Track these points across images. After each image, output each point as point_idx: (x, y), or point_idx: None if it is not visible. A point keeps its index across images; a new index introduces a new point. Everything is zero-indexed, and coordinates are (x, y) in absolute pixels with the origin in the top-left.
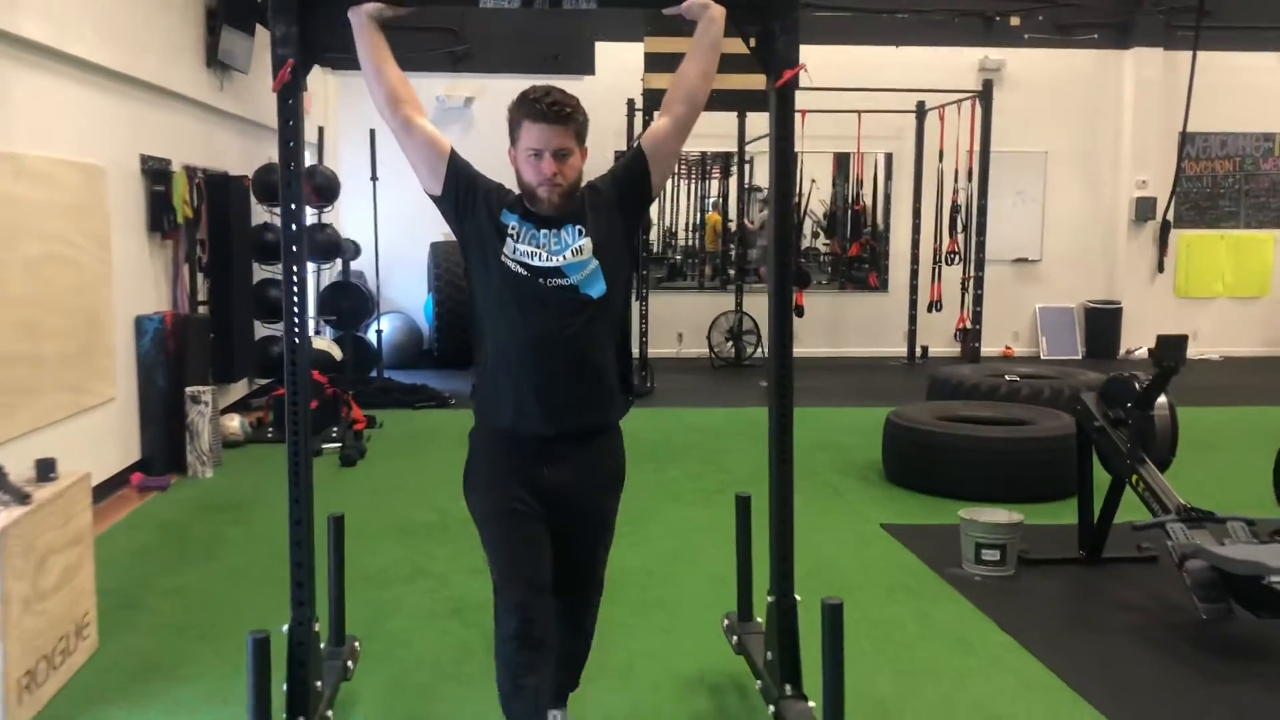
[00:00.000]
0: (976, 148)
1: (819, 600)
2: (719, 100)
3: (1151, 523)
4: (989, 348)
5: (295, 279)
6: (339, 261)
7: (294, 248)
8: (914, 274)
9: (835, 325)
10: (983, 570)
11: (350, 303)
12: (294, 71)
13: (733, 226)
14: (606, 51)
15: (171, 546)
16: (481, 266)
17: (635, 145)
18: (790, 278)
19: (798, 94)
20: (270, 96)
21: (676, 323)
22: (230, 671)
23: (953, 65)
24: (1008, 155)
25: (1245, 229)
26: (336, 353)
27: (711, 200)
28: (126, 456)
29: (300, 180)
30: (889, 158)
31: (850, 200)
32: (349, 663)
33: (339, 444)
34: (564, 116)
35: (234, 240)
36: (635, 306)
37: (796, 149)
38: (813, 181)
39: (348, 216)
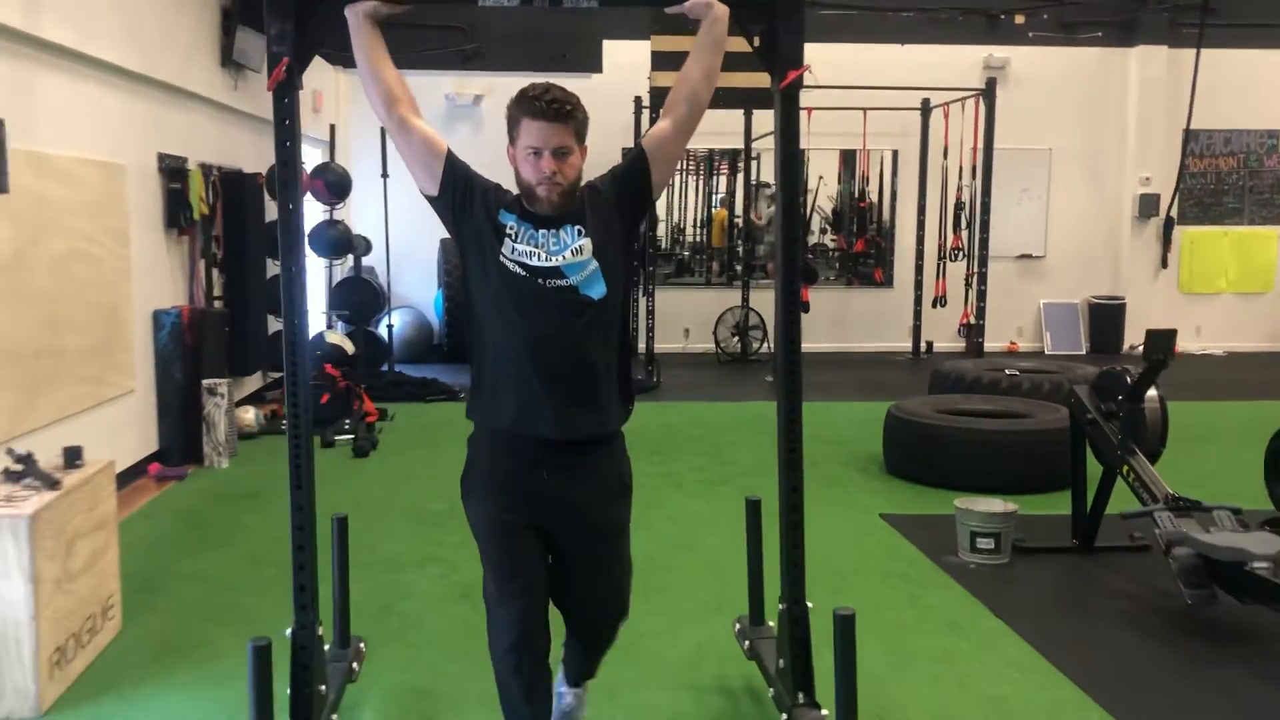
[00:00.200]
0: (980, 145)
1: (821, 594)
2: (725, 98)
3: (1140, 511)
4: (994, 343)
5: (294, 277)
6: (351, 258)
7: (291, 247)
8: (919, 270)
9: (841, 320)
10: (978, 558)
11: (362, 298)
12: (289, 70)
13: (739, 223)
14: (614, 50)
15: (190, 533)
16: (479, 267)
17: (637, 146)
18: (799, 277)
19: (803, 91)
20: None
21: (683, 318)
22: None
23: (958, 63)
24: (1012, 152)
25: (1249, 225)
26: (349, 347)
27: (719, 196)
28: (145, 447)
29: (298, 179)
30: (895, 155)
31: (856, 197)
32: (354, 665)
33: (351, 435)
34: (563, 114)
35: (248, 236)
36: (643, 302)
37: (803, 146)
38: (820, 178)
39: (359, 213)
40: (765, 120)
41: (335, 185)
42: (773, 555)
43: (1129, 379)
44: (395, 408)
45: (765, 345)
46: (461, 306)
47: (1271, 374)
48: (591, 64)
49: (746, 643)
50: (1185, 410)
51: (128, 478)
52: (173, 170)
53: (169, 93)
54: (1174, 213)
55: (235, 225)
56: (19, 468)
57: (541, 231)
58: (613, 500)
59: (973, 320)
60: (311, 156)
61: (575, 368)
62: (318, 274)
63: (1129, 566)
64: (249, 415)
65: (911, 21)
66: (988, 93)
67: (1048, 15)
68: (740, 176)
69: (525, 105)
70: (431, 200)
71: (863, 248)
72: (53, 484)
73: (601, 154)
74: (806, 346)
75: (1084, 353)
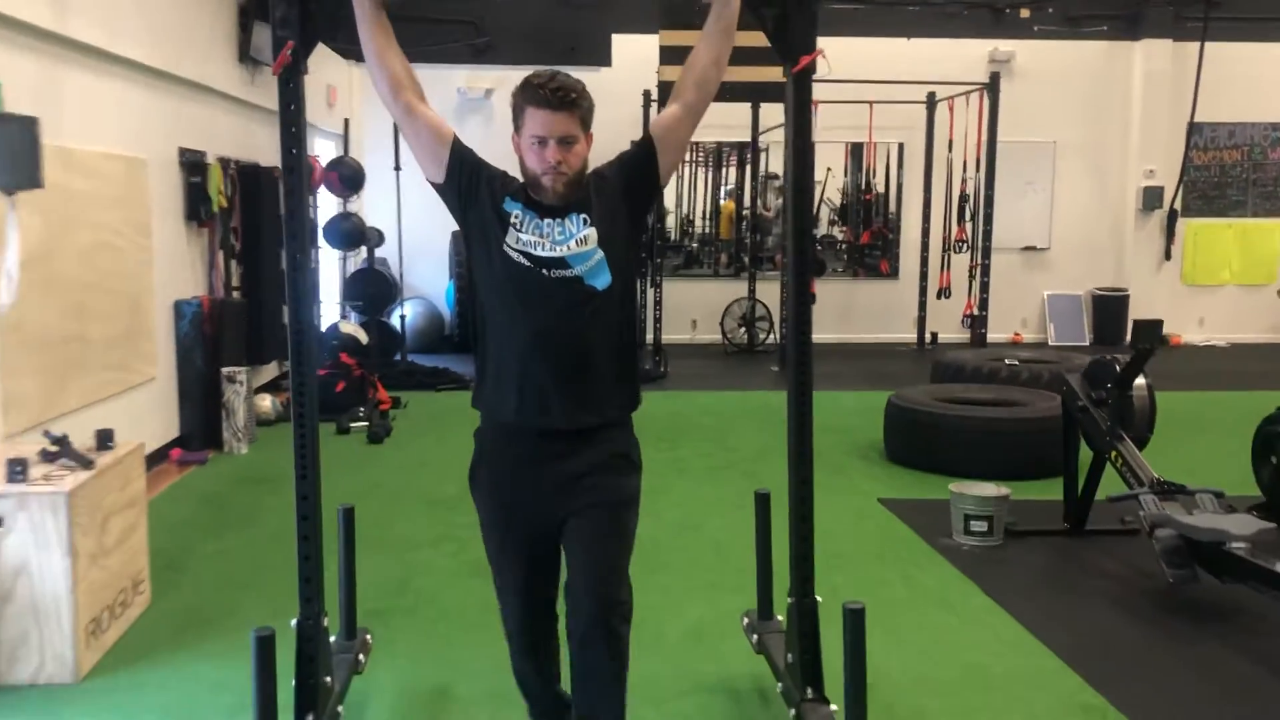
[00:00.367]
0: (984, 138)
1: (819, 575)
2: (732, 92)
3: (1126, 494)
4: (999, 334)
5: (298, 269)
6: (364, 250)
7: (297, 234)
8: (924, 261)
9: (847, 311)
10: (971, 540)
11: (375, 289)
12: (294, 54)
13: (747, 215)
14: (623, 44)
15: (212, 515)
16: (484, 257)
17: (645, 133)
18: (810, 268)
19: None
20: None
21: (691, 309)
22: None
23: (963, 57)
24: (1017, 145)
25: (1253, 218)
26: (363, 337)
27: (727, 188)
28: (167, 432)
29: (303, 166)
30: (900, 148)
31: (862, 189)
32: (360, 656)
33: (366, 423)
34: (568, 102)
35: (265, 228)
36: (650, 293)
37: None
38: (828, 170)
39: (373, 206)
40: (772, 114)
41: (349, 179)
42: (779, 547)
43: (1118, 367)
44: (408, 396)
45: (772, 336)
46: (468, 289)
47: (1273, 365)
48: (600, 58)
49: (755, 637)
50: (1184, 400)
51: (151, 462)
52: (192, 164)
53: (188, 88)
54: (1178, 205)
55: (252, 218)
56: (55, 449)
57: (547, 221)
58: (614, 469)
59: (976, 311)
60: (326, 150)
61: (579, 359)
62: (332, 266)
63: (1117, 549)
64: (266, 403)
65: (917, 15)
66: (990, 87)
67: (1052, 9)
68: (748, 168)
69: (530, 93)
70: (438, 188)
71: (868, 239)
72: (87, 464)
73: (609, 147)
74: (813, 337)
75: (1088, 344)
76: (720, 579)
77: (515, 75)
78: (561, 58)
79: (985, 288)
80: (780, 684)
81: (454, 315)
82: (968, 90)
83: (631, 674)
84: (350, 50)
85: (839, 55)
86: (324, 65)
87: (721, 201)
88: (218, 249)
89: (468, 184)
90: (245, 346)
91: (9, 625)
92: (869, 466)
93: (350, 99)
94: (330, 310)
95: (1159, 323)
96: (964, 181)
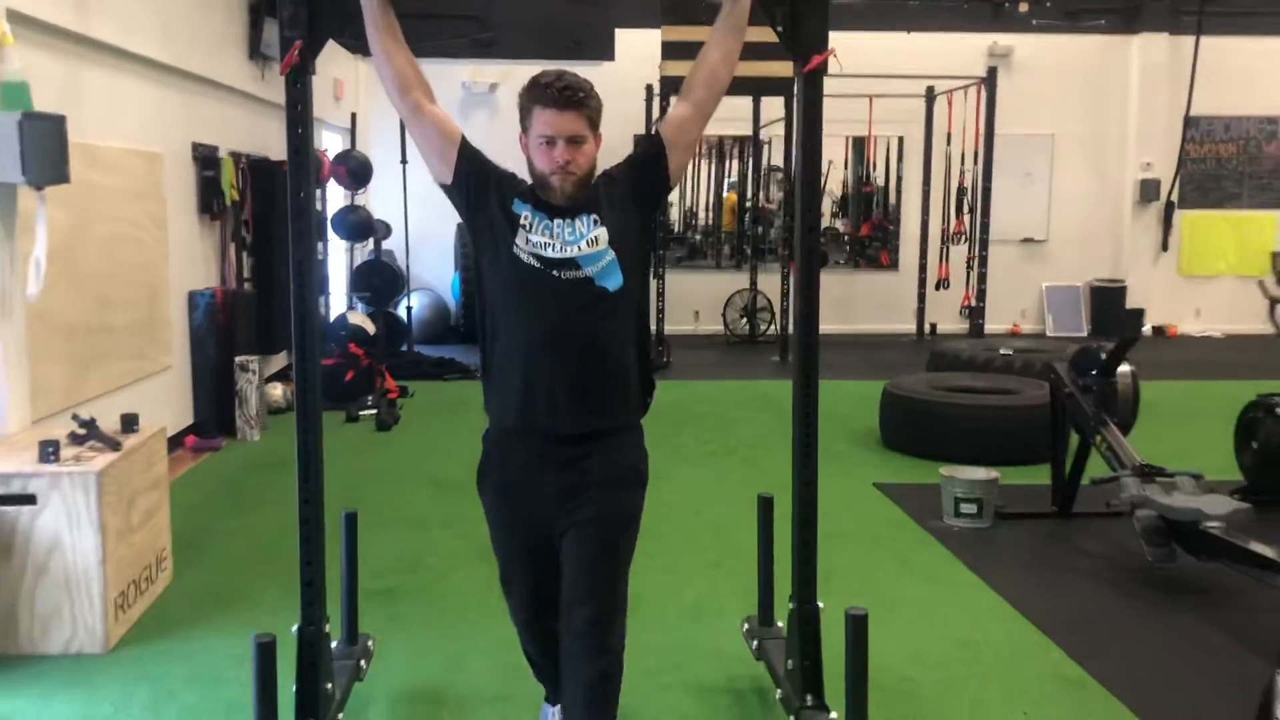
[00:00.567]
0: (982, 131)
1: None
2: (735, 86)
3: (1109, 477)
4: (998, 325)
5: (305, 264)
6: (371, 241)
7: (304, 236)
8: (923, 253)
9: (848, 302)
10: (961, 522)
11: (382, 280)
12: (302, 53)
13: (749, 207)
14: (626, 39)
15: (228, 498)
16: (492, 258)
17: (654, 132)
18: (818, 265)
19: None
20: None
21: (693, 300)
22: (290, 601)
23: (962, 50)
24: (1016, 138)
25: (1248, 210)
26: (370, 327)
27: (730, 181)
28: (182, 420)
29: (309, 163)
30: (900, 141)
31: (863, 182)
32: (362, 663)
33: (374, 411)
34: (576, 102)
35: (276, 221)
36: (654, 285)
37: None
38: (829, 163)
39: (379, 198)
40: (773, 107)
41: (356, 172)
42: (780, 548)
43: (1103, 355)
44: (414, 385)
45: (773, 327)
46: (475, 291)
47: (1266, 355)
48: (604, 52)
49: (755, 643)
50: (1176, 389)
51: (167, 448)
52: (206, 158)
53: (201, 84)
54: (1174, 197)
55: (263, 210)
56: (83, 431)
57: (556, 221)
58: (619, 484)
59: (973, 302)
60: (333, 144)
61: (590, 361)
62: (340, 257)
63: (1102, 530)
64: (277, 391)
65: (917, 10)
66: (988, 81)
67: (1051, 3)
68: (750, 161)
69: (537, 93)
70: (446, 189)
71: (868, 231)
72: (115, 446)
73: (613, 141)
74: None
75: (1085, 334)
76: (719, 557)
77: (520, 69)
78: (565, 51)
79: (983, 279)
80: (779, 690)
81: (459, 306)
82: (966, 84)
83: (631, 645)
84: (357, 45)
85: (839, 49)
86: (331, 59)
87: (724, 194)
88: (230, 241)
89: (476, 185)
90: (256, 336)
91: (43, 598)
92: (865, 452)
93: (357, 93)
94: (338, 301)
95: (1140, 312)
96: (963, 174)
